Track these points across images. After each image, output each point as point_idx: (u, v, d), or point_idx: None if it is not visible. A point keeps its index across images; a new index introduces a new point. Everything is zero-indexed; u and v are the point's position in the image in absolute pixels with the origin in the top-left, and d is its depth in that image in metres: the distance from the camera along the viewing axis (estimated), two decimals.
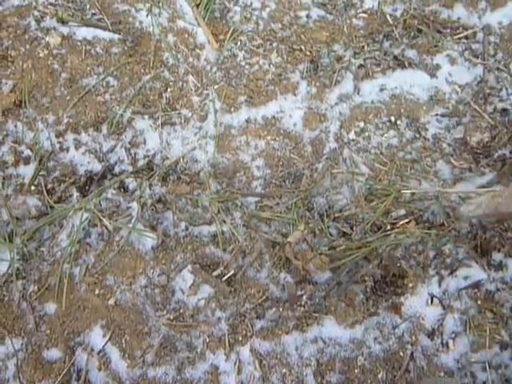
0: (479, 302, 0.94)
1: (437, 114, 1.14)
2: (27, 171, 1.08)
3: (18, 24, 1.20)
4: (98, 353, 0.94)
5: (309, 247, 0.96)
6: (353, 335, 0.92)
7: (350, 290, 0.94)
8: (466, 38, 1.22)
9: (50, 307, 0.98)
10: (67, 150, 1.10)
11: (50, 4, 1.24)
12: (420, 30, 1.22)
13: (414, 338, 0.92)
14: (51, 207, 1.04)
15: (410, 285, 0.95)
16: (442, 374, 0.90)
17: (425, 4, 1.27)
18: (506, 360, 0.89)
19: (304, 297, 0.94)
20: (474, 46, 1.21)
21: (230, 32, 1.21)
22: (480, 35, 1.22)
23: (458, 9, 1.26)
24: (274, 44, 1.21)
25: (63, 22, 1.21)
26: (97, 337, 0.95)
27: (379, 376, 0.90)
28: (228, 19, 1.25)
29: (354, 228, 0.99)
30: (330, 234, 1.00)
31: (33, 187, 1.07)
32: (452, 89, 1.17)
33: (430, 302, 0.94)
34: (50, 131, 1.11)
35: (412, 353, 0.91)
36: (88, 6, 1.24)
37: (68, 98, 1.13)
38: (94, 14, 1.23)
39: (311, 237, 0.99)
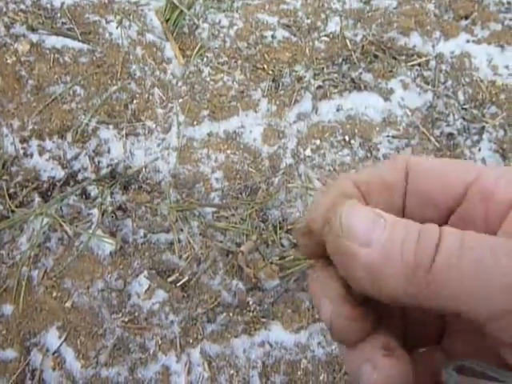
0: None
1: (388, 136, 1.30)
2: None
3: None
4: (53, 353, 1.04)
5: (261, 256, 1.10)
6: (298, 340, 1.05)
7: (296, 298, 1.08)
8: (419, 65, 1.40)
9: (8, 308, 1.07)
10: (31, 155, 1.20)
11: (21, 11, 1.36)
12: (376, 56, 1.39)
13: None
14: (12, 211, 1.14)
15: None
16: None
17: (384, 31, 1.44)
18: None
19: (253, 303, 1.07)
20: (426, 73, 1.39)
21: (197, 48, 1.35)
22: (432, 63, 1.40)
23: (414, 37, 1.44)
24: (239, 62, 1.36)
25: (33, 29, 1.32)
26: (52, 338, 1.05)
27: (321, 378, 1.03)
28: (196, 35, 1.39)
29: None
30: (282, 245, 1.13)
31: None
32: (403, 112, 1.33)
33: None
34: (14, 137, 1.21)
35: None
36: (59, 15, 1.36)
37: (34, 104, 1.24)
38: (65, 23, 1.35)
39: (264, 247, 1.12)
